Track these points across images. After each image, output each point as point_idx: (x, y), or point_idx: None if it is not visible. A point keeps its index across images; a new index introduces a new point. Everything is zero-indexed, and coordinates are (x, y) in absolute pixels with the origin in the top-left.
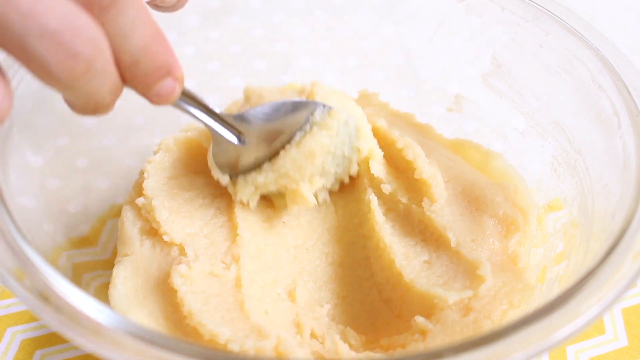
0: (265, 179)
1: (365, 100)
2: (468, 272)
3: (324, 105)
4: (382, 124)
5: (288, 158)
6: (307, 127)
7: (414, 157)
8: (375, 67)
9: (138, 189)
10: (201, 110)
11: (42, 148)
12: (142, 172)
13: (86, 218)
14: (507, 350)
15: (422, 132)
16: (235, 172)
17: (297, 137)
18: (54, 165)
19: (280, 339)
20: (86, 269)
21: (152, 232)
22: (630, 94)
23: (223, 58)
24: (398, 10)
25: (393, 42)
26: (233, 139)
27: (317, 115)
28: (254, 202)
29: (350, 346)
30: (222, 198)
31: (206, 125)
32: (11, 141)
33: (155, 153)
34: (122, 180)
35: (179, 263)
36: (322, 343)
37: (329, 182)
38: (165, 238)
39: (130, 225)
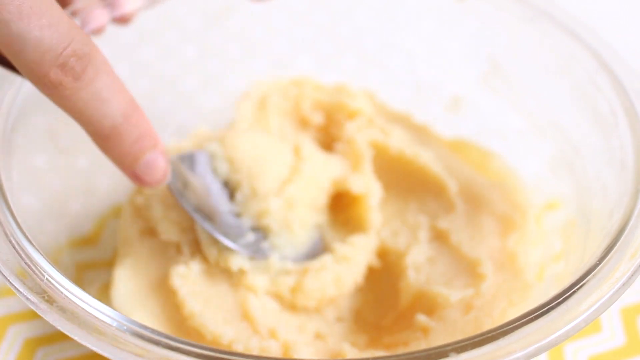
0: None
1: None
2: (469, 270)
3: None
4: (380, 124)
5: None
6: None
7: (412, 157)
8: (375, 67)
9: (139, 189)
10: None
11: (44, 148)
12: None
13: (88, 218)
14: (507, 349)
15: (421, 132)
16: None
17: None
18: (56, 165)
19: (285, 339)
20: (88, 269)
21: (152, 232)
22: (627, 93)
23: (223, 59)
24: (398, 10)
25: (393, 42)
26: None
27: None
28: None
29: (354, 345)
30: None
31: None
32: (14, 141)
33: None
34: (124, 180)
35: (178, 263)
36: (326, 342)
37: None
38: (163, 237)
39: (130, 225)
